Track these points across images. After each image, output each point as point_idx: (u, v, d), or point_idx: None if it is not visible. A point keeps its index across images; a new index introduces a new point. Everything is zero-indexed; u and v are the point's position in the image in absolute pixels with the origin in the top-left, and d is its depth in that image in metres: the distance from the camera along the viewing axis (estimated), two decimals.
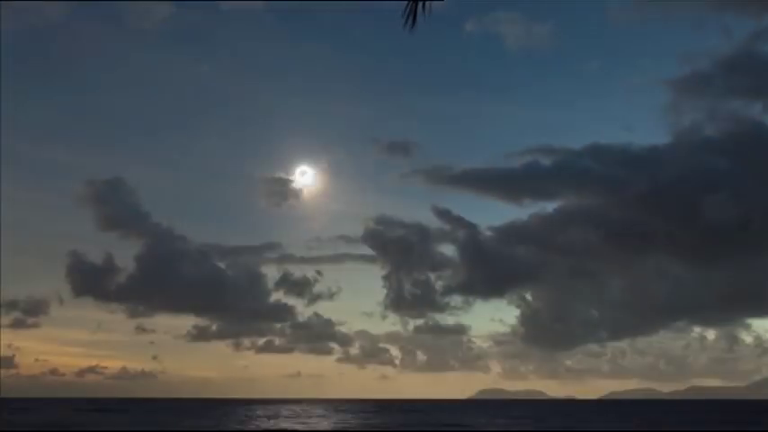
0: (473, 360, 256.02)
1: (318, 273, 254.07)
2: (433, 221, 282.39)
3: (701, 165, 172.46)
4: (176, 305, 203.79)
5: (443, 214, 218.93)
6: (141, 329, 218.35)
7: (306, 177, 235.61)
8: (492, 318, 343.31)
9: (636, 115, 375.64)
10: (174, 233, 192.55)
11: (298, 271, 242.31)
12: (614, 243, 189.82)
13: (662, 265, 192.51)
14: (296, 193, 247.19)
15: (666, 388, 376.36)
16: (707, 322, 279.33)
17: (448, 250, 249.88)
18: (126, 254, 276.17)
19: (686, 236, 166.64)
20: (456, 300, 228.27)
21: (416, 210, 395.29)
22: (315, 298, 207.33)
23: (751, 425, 76.12)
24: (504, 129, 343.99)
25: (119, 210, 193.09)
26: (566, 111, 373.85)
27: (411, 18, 8.95)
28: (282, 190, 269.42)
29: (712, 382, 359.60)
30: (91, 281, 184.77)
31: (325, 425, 73.35)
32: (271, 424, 74.25)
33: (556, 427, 71.62)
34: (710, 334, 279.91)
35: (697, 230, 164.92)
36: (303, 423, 76.15)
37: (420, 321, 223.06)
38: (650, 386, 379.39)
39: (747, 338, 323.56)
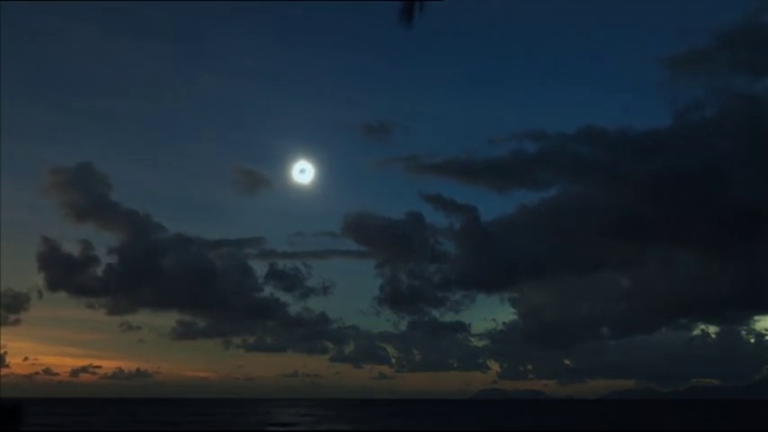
0: (471, 359, 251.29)
1: (307, 267, 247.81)
2: (424, 211, 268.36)
3: (704, 148, 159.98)
4: (159, 300, 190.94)
5: (434, 200, 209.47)
6: (127, 327, 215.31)
7: (285, 171, 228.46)
8: (488, 316, 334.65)
9: (631, 95, 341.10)
10: (152, 224, 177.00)
11: (283, 266, 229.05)
12: (614, 235, 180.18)
13: (666, 258, 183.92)
14: (275, 187, 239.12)
15: (666, 388, 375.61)
16: (710, 319, 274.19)
17: (441, 241, 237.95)
18: (101, 245, 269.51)
19: (691, 226, 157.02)
20: (453, 295, 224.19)
21: (404, 201, 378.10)
22: (305, 294, 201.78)
23: (751, 425, 76.11)
24: (488, 112, 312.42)
25: (89, 198, 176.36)
26: (554, 91, 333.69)
27: (407, 15, 9.11)
28: (260, 183, 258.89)
29: (713, 382, 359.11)
30: (67, 275, 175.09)
31: (329, 425, 73.35)
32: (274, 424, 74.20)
33: (556, 427, 71.69)
34: (713, 332, 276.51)
35: (702, 219, 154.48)
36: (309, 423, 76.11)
37: (416, 318, 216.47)
38: (650, 386, 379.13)
39: (750, 337, 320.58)
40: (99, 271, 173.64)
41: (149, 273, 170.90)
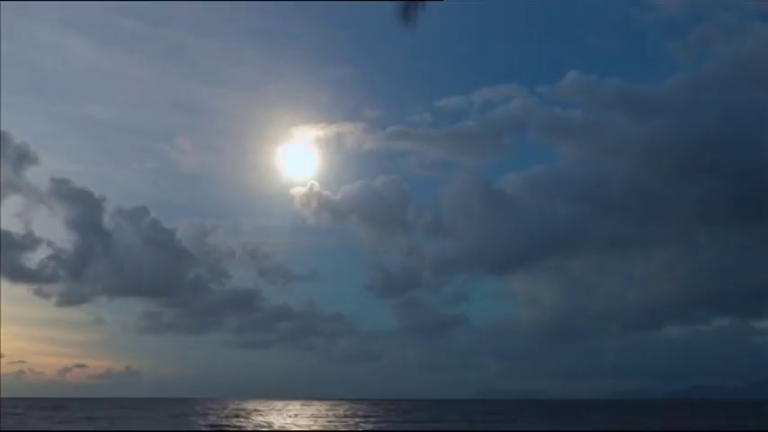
0: (470, 357, 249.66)
1: (285, 257, 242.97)
2: (405, 181, 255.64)
3: (719, 104, 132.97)
4: (118, 286, 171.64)
5: (425, 168, 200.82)
6: (97, 321, 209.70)
7: (263, 158, 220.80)
8: (487, 312, 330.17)
9: (626, 44, 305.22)
10: (97, 199, 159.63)
11: (258, 253, 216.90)
12: (619, 214, 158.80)
13: (676, 245, 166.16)
14: (248, 174, 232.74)
15: (667, 387, 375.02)
16: (725, 311, 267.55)
17: (430, 225, 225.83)
18: (45, 223, 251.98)
19: (706, 201, 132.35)
20: (446, 288, 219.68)
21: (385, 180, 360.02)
22: (288, 283, 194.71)
23: (751, 424, 75.87)
24: (453, 68, 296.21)
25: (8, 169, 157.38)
26: (531, 40, 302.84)
27: (408, 16, 8.88)
28: (221, 170, 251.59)
29: (713, 382, 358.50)
30: (10, 260, 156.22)
31: (322, 425, 73.23)
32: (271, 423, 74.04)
33: (556, 427, 71.46)
34: (716, 331, 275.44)
35: (719, 194, 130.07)
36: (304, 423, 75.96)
37: (409, 312, 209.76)
38: (651, 386, 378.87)
39: (754, 335, 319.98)
40: (43, 253, 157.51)
41: (102, 253, 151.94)
